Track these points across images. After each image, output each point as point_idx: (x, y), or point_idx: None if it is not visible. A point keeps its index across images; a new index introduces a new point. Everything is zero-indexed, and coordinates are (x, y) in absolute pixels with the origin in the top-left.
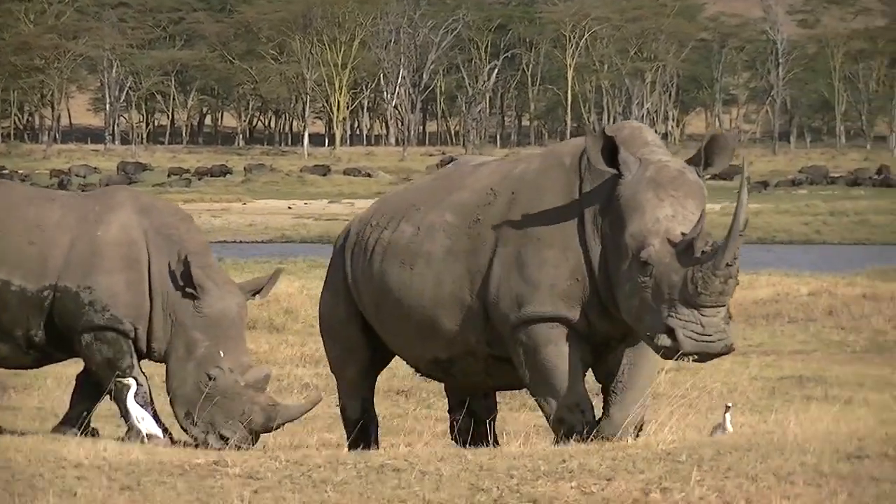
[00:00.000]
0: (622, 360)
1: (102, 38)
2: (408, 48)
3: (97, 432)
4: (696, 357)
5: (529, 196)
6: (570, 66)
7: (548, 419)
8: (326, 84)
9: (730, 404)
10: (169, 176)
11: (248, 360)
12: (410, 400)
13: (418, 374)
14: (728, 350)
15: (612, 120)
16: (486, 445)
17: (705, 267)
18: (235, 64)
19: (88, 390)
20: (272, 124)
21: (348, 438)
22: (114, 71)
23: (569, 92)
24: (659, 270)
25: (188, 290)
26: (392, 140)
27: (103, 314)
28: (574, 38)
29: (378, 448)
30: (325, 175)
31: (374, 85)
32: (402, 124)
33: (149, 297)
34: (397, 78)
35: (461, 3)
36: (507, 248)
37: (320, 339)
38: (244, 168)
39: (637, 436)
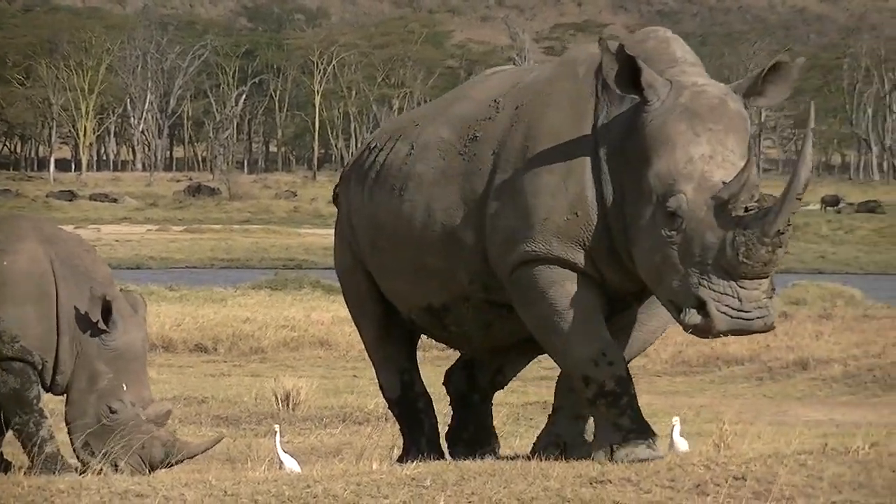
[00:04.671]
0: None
1: None
2: (155, 73)
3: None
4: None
5: (533, 109)
6: (317, 92)
7: (573, 381)
8: (73, 109)
9: (676, 418)
10: None
11: (150, 394)
12: None
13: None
14: (767, 329)
15: (358, 147)
16: (475, 416)
17: (751, 231)
18: None
19: None
20: (18, 149)
21: (398, 423)
22: None
23: (316, 118)
24: (691, 226)
25: (98, 323)
26: (139, 165)
27: (12, 345)
28: (322, 64)
29: (437, 430)
30: (70, 201)
31: (121, 110)
32: (149, 150)
33: (56, 330)
34: (144, 103)
35: (209, 29)
36: (505, 172)
37: None
38: None
39: None
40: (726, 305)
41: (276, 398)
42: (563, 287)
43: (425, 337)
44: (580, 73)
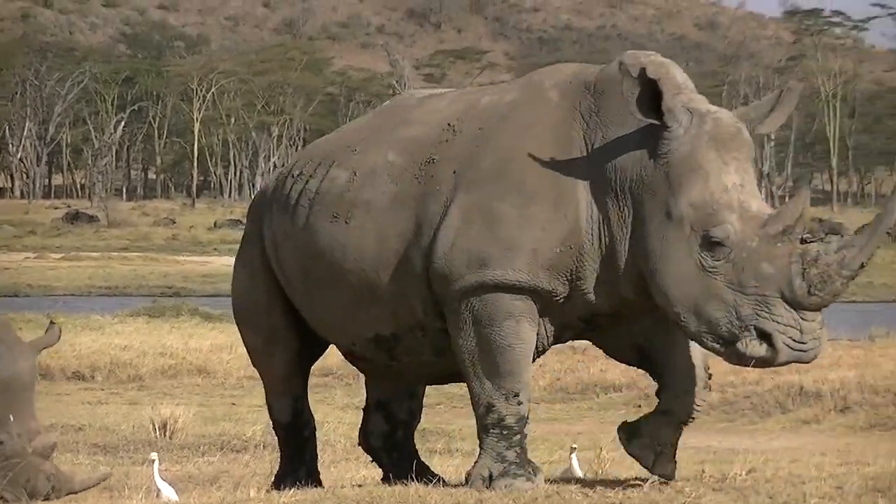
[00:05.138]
0: (652, 331)
1: None
2: (34, 100)
3: None
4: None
5: (505, 135)
6: (196, 119)
7: (474, 402)
8: None
9: (575, 445)
10: None
11: (37, 425)
12: None
13: (350, 362)
14: (814, 358)
15: (237, 174)
16: (404, 455)
17: (825, 263)
18: None
19: None
20: None
21: (280, 447)
22: None
23: (195, 145)
24: (741, 256)
25: None
26: (17, 193)
27: None
28: (201, 91)
29: (316, 459)
30: None
31: None
32: (28, 177)
33: None
34: (23, 130)
35: (88, 56)
36: (469, 195)
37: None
38: None
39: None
40: (789, 337)
41: (154, 426)
42: (518, 324)
43: None
44: (553, 98)
